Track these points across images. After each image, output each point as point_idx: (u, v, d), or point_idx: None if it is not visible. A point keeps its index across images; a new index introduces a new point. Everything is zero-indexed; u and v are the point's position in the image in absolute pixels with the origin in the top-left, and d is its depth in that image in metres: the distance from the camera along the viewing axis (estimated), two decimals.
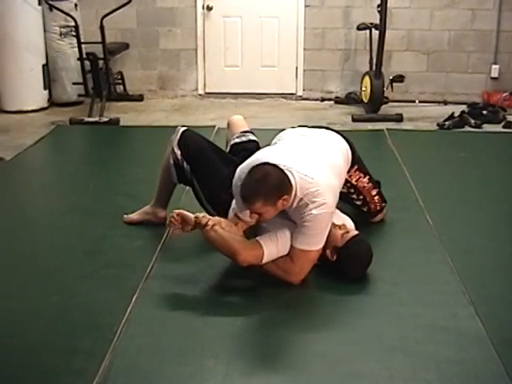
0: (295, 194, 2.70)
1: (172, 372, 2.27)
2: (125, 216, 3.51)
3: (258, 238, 2.80)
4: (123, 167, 4.64)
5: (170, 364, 2.31)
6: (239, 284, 2.90)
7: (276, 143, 3.15)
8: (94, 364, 2.28)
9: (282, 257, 2.77)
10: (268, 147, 3.12)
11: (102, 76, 6.12)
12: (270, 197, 2.62)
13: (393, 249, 3.25)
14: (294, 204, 2.72)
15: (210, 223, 2.74)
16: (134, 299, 2.72)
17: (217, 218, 2.86)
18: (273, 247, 2.75)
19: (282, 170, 2.67)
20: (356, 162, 3.28)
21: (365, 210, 3.40)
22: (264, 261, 2.75)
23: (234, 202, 3.10)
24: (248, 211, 2.74)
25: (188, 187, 3.49)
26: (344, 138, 3.24)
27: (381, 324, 2.56)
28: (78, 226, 3.53)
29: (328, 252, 2.85)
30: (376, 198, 3.39)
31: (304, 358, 2.35)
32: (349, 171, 3.22)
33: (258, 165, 2.71)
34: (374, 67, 6.11)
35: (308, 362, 2.32)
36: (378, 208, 3.44)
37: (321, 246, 2.78)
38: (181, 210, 2.84)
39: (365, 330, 2.52)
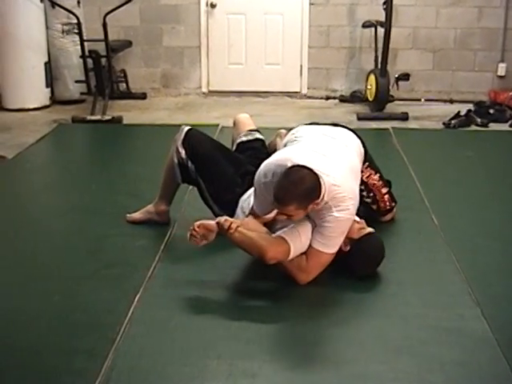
0: (322, 198, 2.69)
1: (174, 372, 2.27)
2: (127, 215, 3.51)
3: (280, 233, 2.78)
4: (125, 166, 4.64)
5: (173, 364, 2.31)
6: (243, 284, 2.91)
7: (295, 140, 3.06)
8: (95, 364, 2.29)
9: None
10: (294, 146, 3.01)
11: (104, 74, 6.12)
12: (304, 201, 2.62)
13: (398, 248, 3.24)
14: (319, 206, 2.71)
15: (234, 225, 2.72)
16: (136, 299, 2.72)
17: (236, 220, 2.84)
18: (298, 242, 2.74)
19: (316, 175, 2.65)
20: (368, 159, 3.29)
21: (374, 208, 3.40)
22: (291, 256, 2.74)
23: (241, 201, 3.09)
24: (275, 210, 2.74)
25: (191, 186, 3.50)
26: (356, 135, 3.24)
27: (385, 324, 2.56)
28: (79, 226, 3.54)
29: (342, 245, 2.86)
30: (386, 196, 3.39)
31: (308, 358, 2.35)
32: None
33: (293, 167, 2.68)
34: (379, 65, 6.10)
35: (312, 363, 2.32)
36: (388, 207, 3.43)
37: (334, 250, 2.78)
38: (201, 221, 2.78)
39: (369, 331, 2.52)
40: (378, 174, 3.35)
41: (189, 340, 2.45)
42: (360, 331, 2.52)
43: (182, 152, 3.25)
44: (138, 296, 2.75)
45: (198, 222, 2.78)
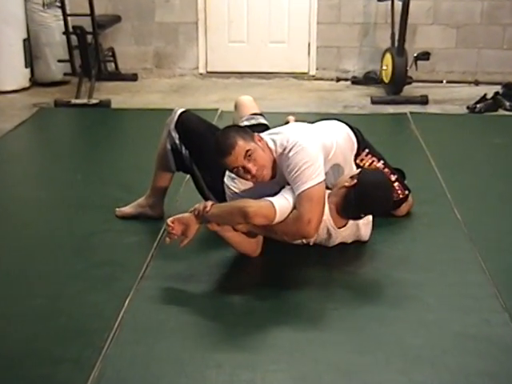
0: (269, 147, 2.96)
1: (169, 383, 2.28)
2: (117, 209, 3.52)
3: None
4: (115, 155, 4.65)
5: (167, 375, 2.31)
6: (243, 284, 2.92)
7: None
8: (81, 374, 2.29)
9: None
10: None
11: (90, 52, 6.12)
12: (245, 135, 2.92)
13: (416, 247, 3.24)
14: (263, 141, 2.97)
15: (209, 203, 2.88)
16: (127, 302, 2.73)
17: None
18: (280, 198, 2.85)
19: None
20: (366, 145, 3.33)
21: None
22: (278, 212, 2.80)
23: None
24: (241, 170, 2.89)
25: (187, 176, 3.50)
26: (346, 124, 3.31)
27: (403, 331, 2.56)
28: (64, 221, 3.54)
29: (346, 184, 2.95)
30: (396, 184, 3.38)
31: (316, 368, 2.35)
32: (359, 154, 3.27)
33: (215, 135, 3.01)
34: (396, 43, 6.10)
35: (321, 373, 2.33)
36: (401, 196, 3.43)
37: (318, 179, 2.82)
38: (174, 216, 2.90)
39: (385, 337, 2.52)
40: (381, 161, 3.36)
41: (185, 347, 2.46)
42: (375, 338, 2.52)
43: (176, 136, 3.26)
44: (128, 298, 2.76)
45: (170, 218, 2.89)
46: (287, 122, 3.61)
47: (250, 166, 2.88)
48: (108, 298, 2.77)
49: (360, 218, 3.04)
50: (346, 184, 2.95)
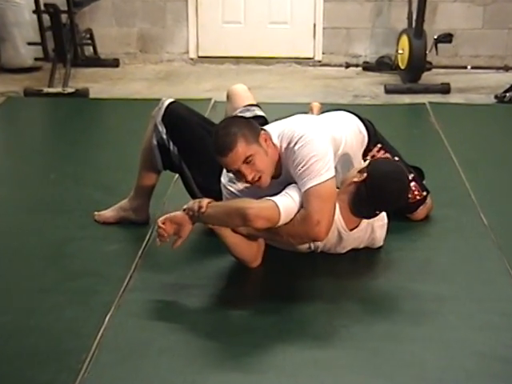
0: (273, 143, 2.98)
1: None
2: (96, 213, 3.52)
3: None
4: (94, 151, 4.65)
5: None
6: (241, 297, 2.93)
7: None
8: None
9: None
10: None
11: (65, 34, 6.11)
12: (248, 134, 2.90)
13: (437, 255, 3.25)
14: (270, 141, 2.97)
15: (204, 203, 2.87)
16: (107, 318, 2.73)
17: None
18: (284, 197, 2.87)
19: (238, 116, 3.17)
20: (379, 140, 3.35)
21: None
22: (282, 213, 2.81)
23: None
24: (239, 173, 2.89)
25: (176, 176, 3.51)
26: (356, 115, 3.34)
27: (422, 351, 2.56)
28: (36, 226, 3.54)
29: (355, 179, 2.97)
30: (412, 184, 3.39)
31: None
32: (370, 150, 3.29)
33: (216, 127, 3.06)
34: (413, 23, 6.10)
35: None
36: (418, 197, 3.44)
37: (328, 175, 2.85)
38: (164, 216, 2.91)
39: (402, 359, 2.52)
40: (396, 158, 3.37)
41: (174, 370, 2.46)
42: (390, 359, 2.53)
43: (163, 131, 3.27)
44: (109, 314, 2.76)
45: (161, 218, 2.91)
46: (311, 109, 3.67)
47: (247, 171, 2.87)
48: (86, 314, 2.77)
49: (375, 215, 3.04)
50: (355, 179, 2.97)
